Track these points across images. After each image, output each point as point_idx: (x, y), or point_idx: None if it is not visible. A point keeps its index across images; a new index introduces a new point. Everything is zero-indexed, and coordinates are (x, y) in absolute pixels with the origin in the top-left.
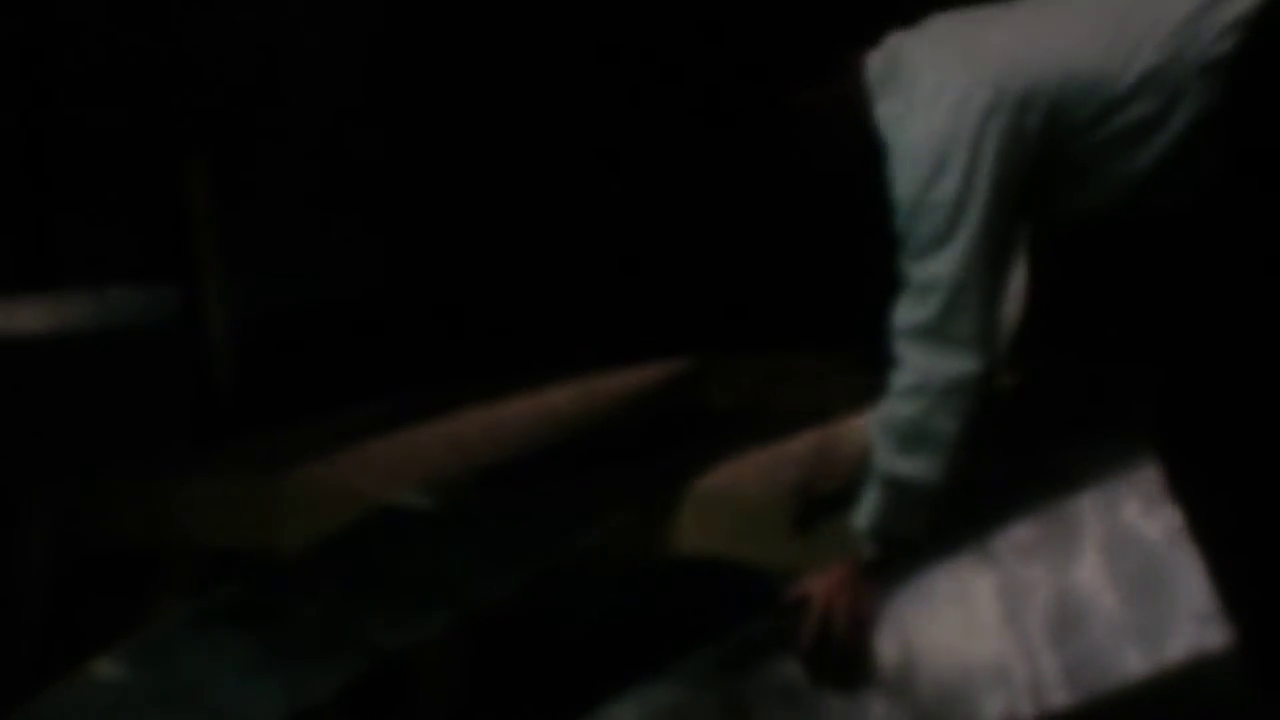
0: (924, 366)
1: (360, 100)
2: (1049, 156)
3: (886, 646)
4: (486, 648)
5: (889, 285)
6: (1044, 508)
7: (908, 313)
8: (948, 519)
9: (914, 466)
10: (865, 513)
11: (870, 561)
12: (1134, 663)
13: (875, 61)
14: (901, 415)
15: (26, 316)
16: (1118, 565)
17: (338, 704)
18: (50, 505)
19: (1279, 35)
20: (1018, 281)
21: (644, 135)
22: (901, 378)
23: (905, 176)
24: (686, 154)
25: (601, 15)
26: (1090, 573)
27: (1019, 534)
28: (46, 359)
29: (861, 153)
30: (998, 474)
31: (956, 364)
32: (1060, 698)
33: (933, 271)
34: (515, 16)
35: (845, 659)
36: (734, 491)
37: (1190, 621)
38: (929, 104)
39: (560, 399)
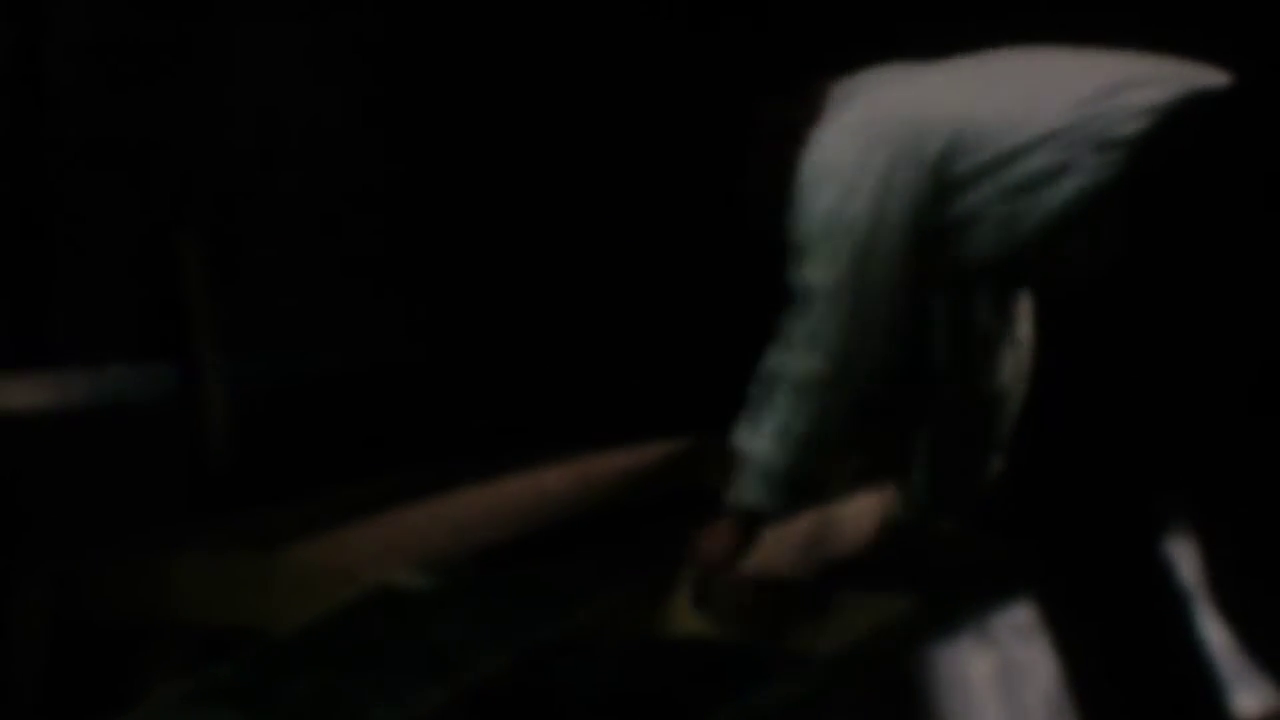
0: (779, 360)
1: (359, 173)
2: (944, 197)
3: None
4: None
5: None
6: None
7: (788, 316)
8: (949, 600)
9: (757, 444)
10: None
11: (733, 522)
12: None
13: (831, 92)
14: (754, 394)
15: (24, 393)
16: None
17: None
18: (46, 581)
19: (1187, 127)
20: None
21: (639, 213)
22: (766, 362)
23: (809, 194)
24: (682, 235)
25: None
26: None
27: (1017, 616)
28: (43, 435)
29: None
30: (996, 556)
31: (806, 363)
32: None
33: (809, 279)
34: (521, 83)
35: (721, 602)
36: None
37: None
38: (847, 132)
39: (557, 479)
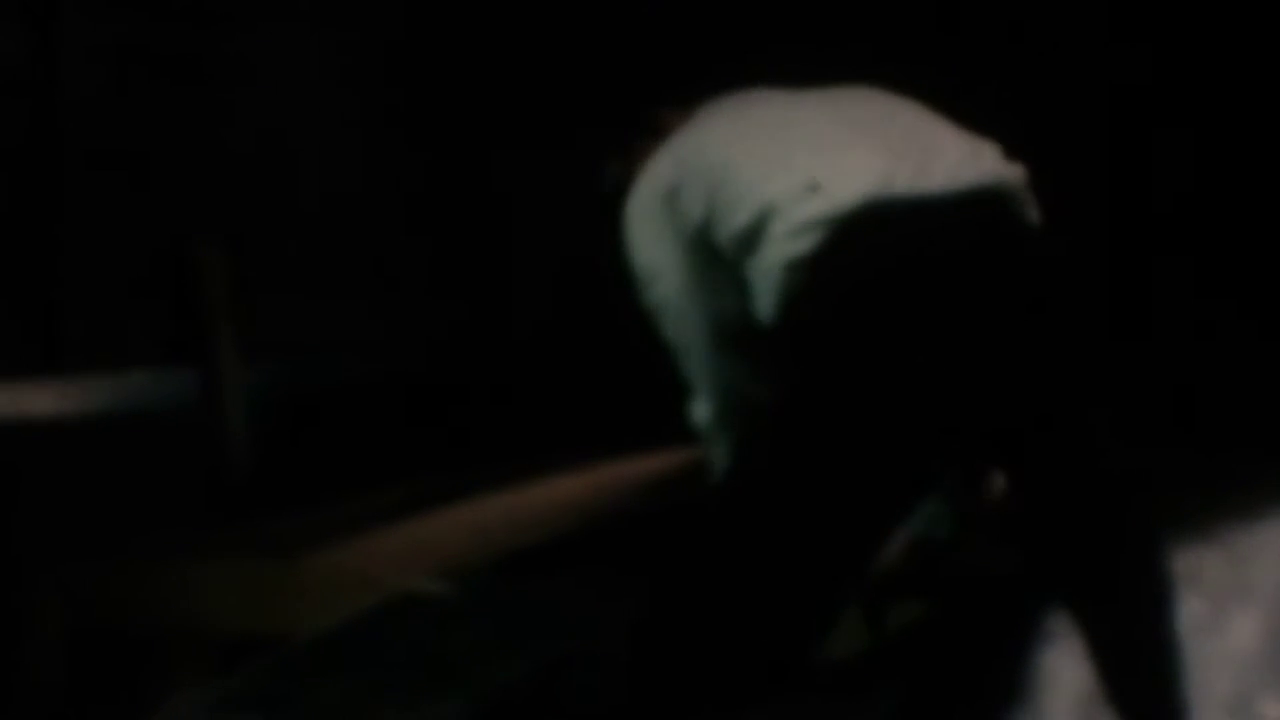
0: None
1: (378, 180)
2: (709, 242)
3: None
4: None
5: None
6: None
7: None
8: (972, 607)
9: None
10: None
11: None
12: None
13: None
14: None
15: (43, 399)
16: None
17: None
18: (66, 588)
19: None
20: None
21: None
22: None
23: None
24: None
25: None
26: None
27: (1042, 622)
28: (63, 442)
29: None
30: (1021, 564)
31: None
32: None
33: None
34: (543, 87)
35: None
36: None
37: (1216, 712)
38: (650, 173)
39: (576, 486)
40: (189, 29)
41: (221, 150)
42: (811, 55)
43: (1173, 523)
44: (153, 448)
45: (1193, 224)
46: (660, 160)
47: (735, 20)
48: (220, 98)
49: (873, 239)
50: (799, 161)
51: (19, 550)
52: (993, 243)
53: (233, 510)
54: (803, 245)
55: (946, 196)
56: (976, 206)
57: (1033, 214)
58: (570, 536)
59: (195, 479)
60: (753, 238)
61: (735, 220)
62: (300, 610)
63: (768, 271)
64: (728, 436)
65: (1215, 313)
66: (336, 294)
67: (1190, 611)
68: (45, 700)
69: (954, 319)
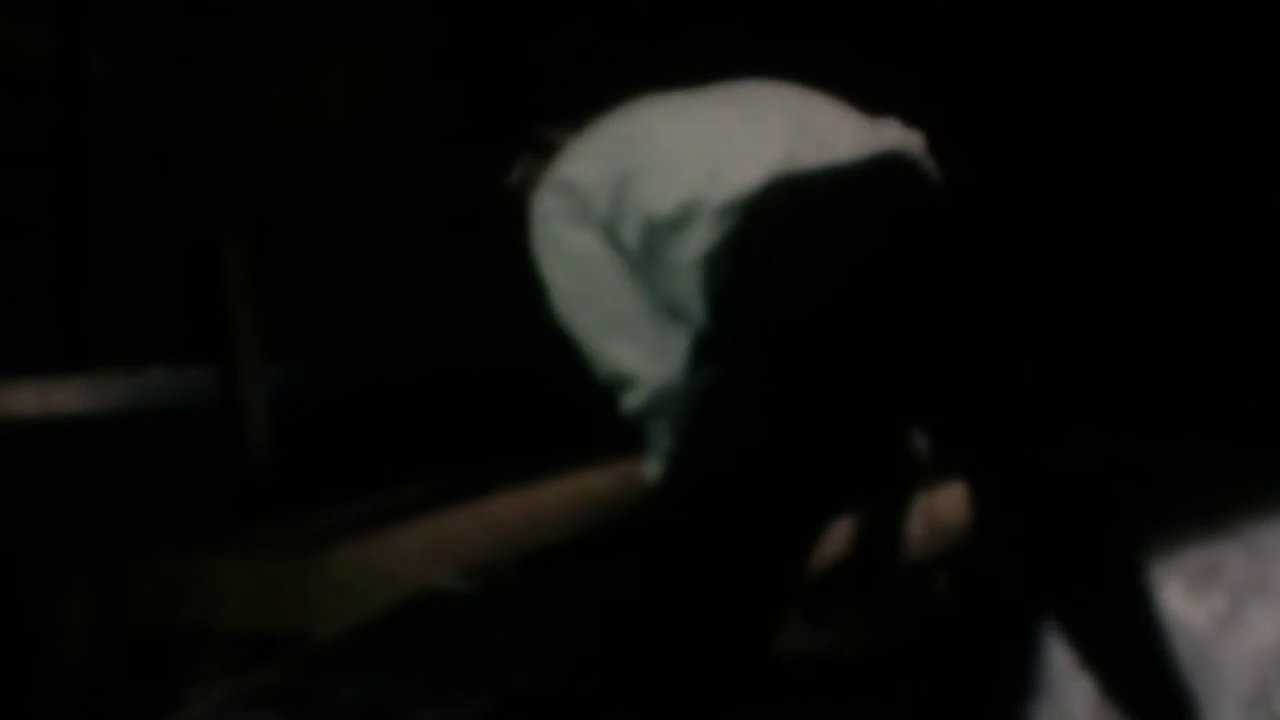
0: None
1: (404, 178)
2: (618, 239)
3: None
4: None
5: None
6: None
7: None
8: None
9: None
10: None
11: None
12: None
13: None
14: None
15: (65, 397)
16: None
17: None
18: (86, 586)
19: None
20: None
21: None
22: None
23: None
24: None
25: None
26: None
27: None
28: (84, 439)
29: None
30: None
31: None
32: None
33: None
34: (571, 84)
35: None
36: None
37: (1236, 707)
38: (550, 181)
39: (598, 482)
40: (217, 24)
41: (249, 147)
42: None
43: (1192, 518)
44: (175, 444)
45: (1204, 218)
46: (566, 164)
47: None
48: (248, 94)
49: (785, 215)
50: (704, 155)
51: (41, 546)
52: (906, 204)
53: (254, 507)
54: (719, 233)
55: (852, 163)
56: (884, 171)
57: (937, 178)
58: (593, 533)
59: (217, 476)
60: (666, 234)
61: (644, 218)
62: (321, 608)
63: (688, 266)
64: (662, 422)
65: (1230, 308)
66: (360, 291)
67: (1210, 607)
68: (67, 697)
69: (881, 287)
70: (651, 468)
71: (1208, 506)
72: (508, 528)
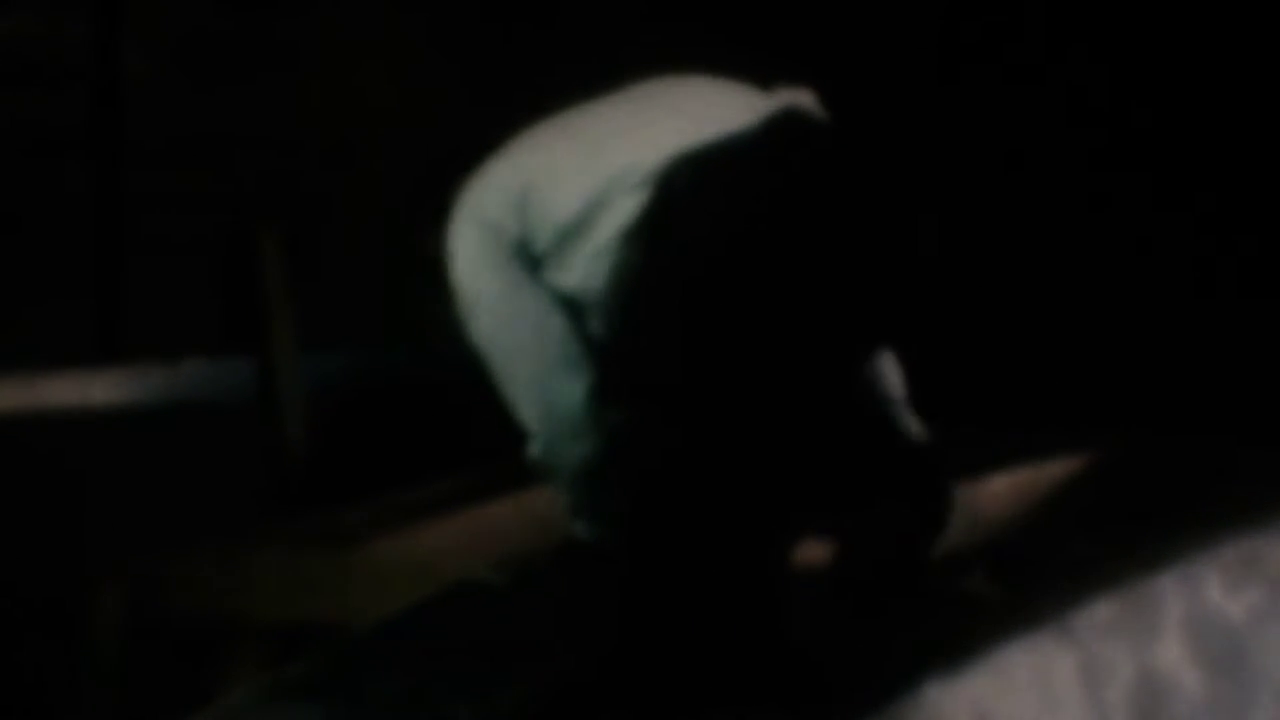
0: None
1: (442, 170)
2: (541, 266)
3: None
4: None
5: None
6: (1125, 586)
7: None
8: (1027, 596)
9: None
10: None
11: None
12: None
13: None
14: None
15: (101, 389)
16: (1200, 644)
17: None
18: (124, 578)
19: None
20: None
21: None
22: None
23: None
24: None
25: None
26: (1172, 652)
27: (1100, 612)
28: (121, 432)
29: None
30: (1078, 552)
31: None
32: None
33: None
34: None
35: None
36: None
37: (1273, 701)
38: (461, 211)
39: None
40: (253, 15)
41: (286, 137)
42: None
43: (1230, 511)
44: (212, 436)
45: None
46: (472, 194)
47: None
48: (285, 84)
49: (685, 185)
50: (599, 151)
51: (77, 539)
52: (809, 159)
53: (290, 499)
54: (625, 217)
55: (752, 128)
56: (781, 130)
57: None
58: None
59: (254, 468)
60: (574, 233)
61: (552, 225)
62: (358, 601)
63: (597, 254)
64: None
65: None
66: (397, 283)
67: (1248, 600)
68: (102, 690)
69: (784, 246)
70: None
71: (1246, 499)
72: (546, 520)
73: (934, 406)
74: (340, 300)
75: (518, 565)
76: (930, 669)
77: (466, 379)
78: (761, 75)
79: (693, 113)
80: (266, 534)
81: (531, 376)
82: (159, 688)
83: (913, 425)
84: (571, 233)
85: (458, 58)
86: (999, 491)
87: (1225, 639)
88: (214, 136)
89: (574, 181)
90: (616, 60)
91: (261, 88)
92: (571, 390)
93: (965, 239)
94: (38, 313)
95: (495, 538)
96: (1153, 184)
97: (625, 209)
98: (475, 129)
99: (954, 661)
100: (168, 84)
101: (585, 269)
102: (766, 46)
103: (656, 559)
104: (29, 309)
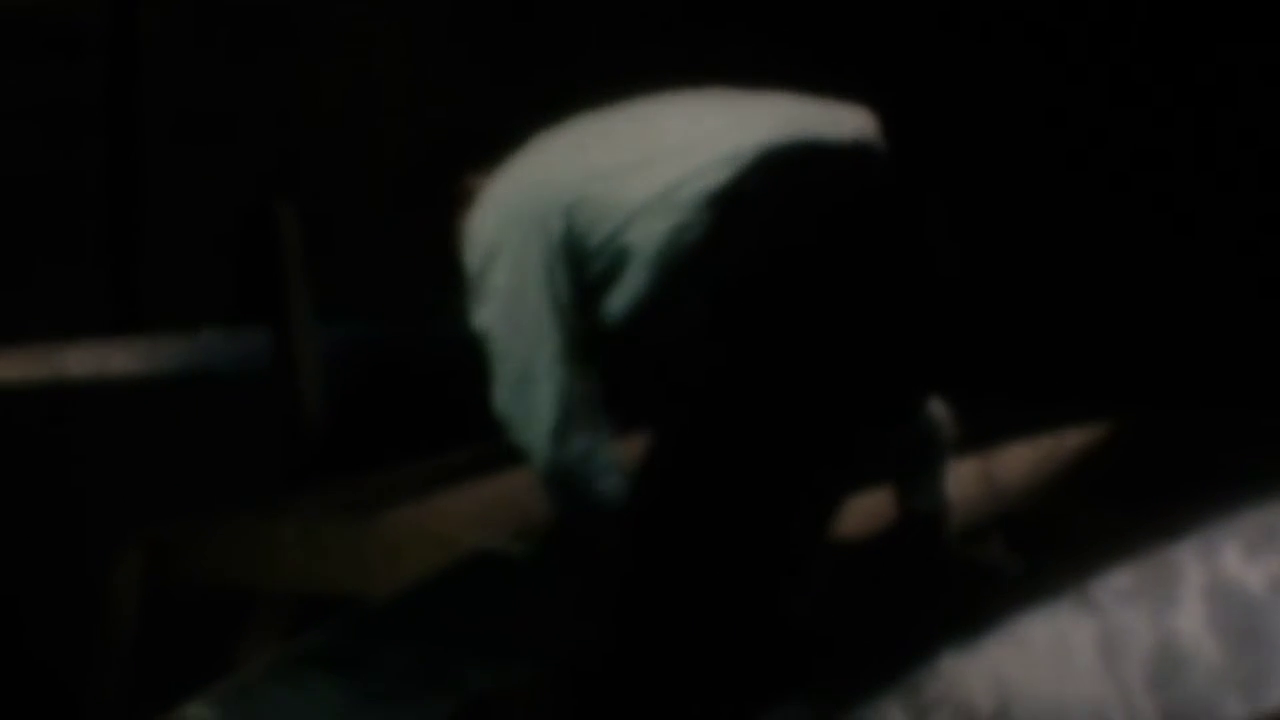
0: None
1: (456, 142)
2: (579, 258)
3: (983, 693)
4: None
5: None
6: (1144, 555)
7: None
8: (1046, 565)
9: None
10: None
11: None
12: (1234, 711)
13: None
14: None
15: (118, 359)
16: (1218, 613)
17: None
18: (141, 548)
19: (758, 176)
20: None
21: None
22: None
23: (466, 265)
24: None
25: None
26: (1190, 620)
27: (1118, 581)
28: (138, 401)
29: None
30: (1097, 521)
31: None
32: None
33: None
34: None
35: None
36: None
37: None
38: (489, 207)
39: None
40: None
41: (300, 110)
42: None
43: (1249, 482)
44: (228, 406)
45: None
46: (505, 184)
47: None
48: (300, 59)
49: (776, 184)
50: (661, 153)
51: (95, 508)
52: (883, 194)
53: (307, 469)
54: (681, 223)
55: (836, 143)
56: (861, 157)
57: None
58: None
59: (270, 438)
60: (625, 234)
61: (605, 227)
62: (374, 571)
63: (650, 262)
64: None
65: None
66: (414, 254)
67: (1267, 570)
68: (119, 659)
69: (870, 276)
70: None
71: (1266, 470)
72: None
73: (955, 376)
74: (356, 271)
75: (535, 535)
76: (948, 638)
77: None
78: (786, 74)
79: (750, 119)
80: (284, 504)
81: (552, 356)
82: (176, 657)
83: None
84: (620, 238)
85: (472, 34)
86: (1019, 461)
87: (1244, 608)
88: (230, 108)
89: (625, 187)
90: (634, 42)
91: (277, 61)
92: (580, 375)
93: (992, 211)
94: (55, 283)
95: (512, 508)
96: (1172, 155)
97: (678, 219)
98: (489, 104)
99: (972, 630)
100: (185, 57)
101: (628, 282)
102: (791, 41)
103: (660, 542)
104: (47, 279)
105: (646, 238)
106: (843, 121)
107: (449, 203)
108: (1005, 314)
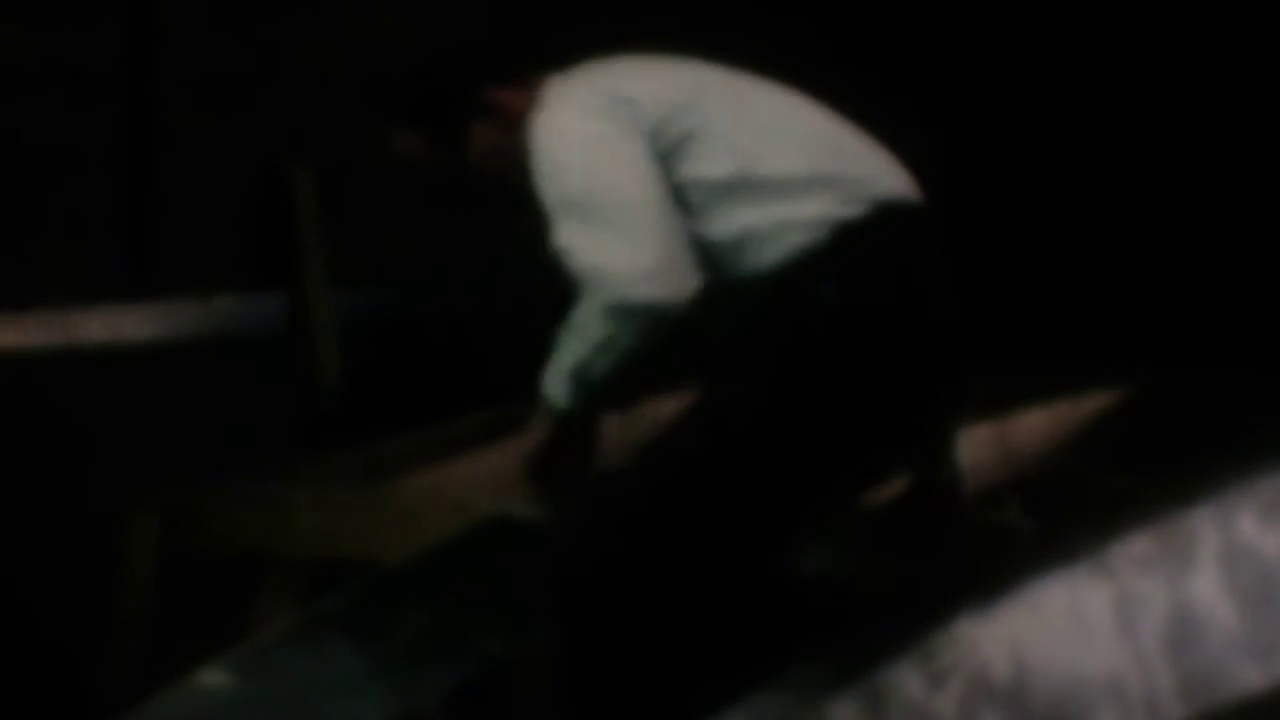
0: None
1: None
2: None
3: (998, 659)
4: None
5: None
6: (1160, 520)
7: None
8: (1061, 531)
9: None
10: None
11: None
12: (1250, 676)
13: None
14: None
15: (134, 324)
16: (1234, 578)
17: (443, 710)
18: (155, 512)
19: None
20: None
21: None
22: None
23: (549, 166)
24: None
25: None
26: (1206, 586)
27: (1135, 546)
28: (153, 366)
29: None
30: (1114, 486)
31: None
32: (1175, 711)
33: (569, 243)
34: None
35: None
36: None
37: None
38: (573, 108)
39: (668, 410)
40: None
41: (316, 75)
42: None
43: (1265, 447)
44: (244, 371)
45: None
46: (617, 79)
47: None
48: (315, 24)
49: (887, 241)
50: (760, 132)
51: (110, 473)
52: (937, 253)
53: (322, 434)
54: (771, 211)
55: (913, 206)
56: (925, 218)
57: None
58: None
59: (286, 403)
60: (711, 197)
61: (705, 173)
62: (389, 536)
63: (733, 237)
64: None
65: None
66: (430, 221)
67: None
68: (134, 623)
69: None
70: (552, 382)
71: (1273, 439)
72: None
73: (974, 340)
74: (372, 236)
75: (549, 501)
76: (964, 602)
77: (495, 316)
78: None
79: (836, 140)
80: (298, 469)
81: (646, 206)
82: (191, 622)
83: None
84: (705, 197)
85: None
86: (1035, 425)
87: (1260, 573)
88: (246, 73)
89: (728, 150)
90: (645, 9)
91: (293, 25)
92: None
93: (1007, 175)
94: (71, 249)
95: (527, 474)
96: (1192, 121)
97: (771, 206)
98: (507, 69)
99: (988, 595)
100: (201, 21)
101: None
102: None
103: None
104: (62, 245)
105: (791, 212)
106: (905, 179)
107: (479, 112)
108: (1021, 279)
